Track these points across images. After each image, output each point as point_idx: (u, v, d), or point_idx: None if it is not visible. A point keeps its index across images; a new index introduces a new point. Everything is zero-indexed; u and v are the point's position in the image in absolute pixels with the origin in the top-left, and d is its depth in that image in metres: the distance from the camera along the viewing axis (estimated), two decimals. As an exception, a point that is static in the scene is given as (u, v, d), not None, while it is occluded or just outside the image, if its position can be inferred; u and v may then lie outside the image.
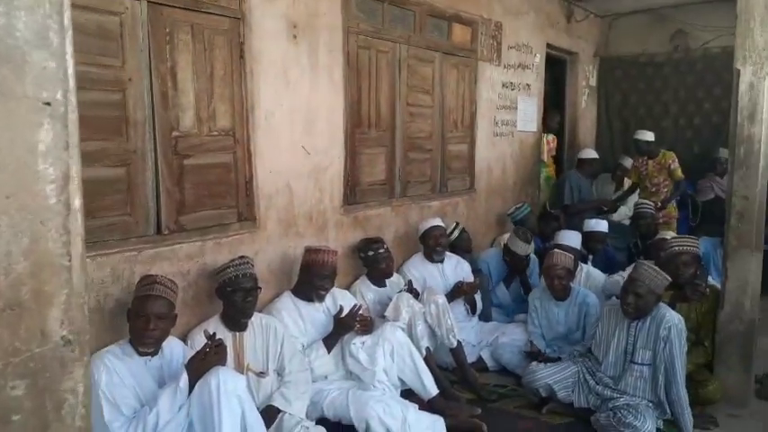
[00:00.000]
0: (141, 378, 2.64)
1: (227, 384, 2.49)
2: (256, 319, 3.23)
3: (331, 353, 3.48)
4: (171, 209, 3.12)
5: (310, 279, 3.52)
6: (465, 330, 4.39)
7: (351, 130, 4.21)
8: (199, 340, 3.00)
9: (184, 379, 2.55)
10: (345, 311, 3.51)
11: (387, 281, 4.26)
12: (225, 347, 2.67)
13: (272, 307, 3.52)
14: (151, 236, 3.06)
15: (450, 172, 5.34)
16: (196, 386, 2.53)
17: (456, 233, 4.98)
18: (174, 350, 2.81)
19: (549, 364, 3.63)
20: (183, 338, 3.10)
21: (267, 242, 3.68)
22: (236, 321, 3.11)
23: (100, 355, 2.60)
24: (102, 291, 2.85)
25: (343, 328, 3.49)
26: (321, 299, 3.56)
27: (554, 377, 3.57)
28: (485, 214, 5.87)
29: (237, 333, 3.14)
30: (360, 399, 3.22)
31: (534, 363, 3.65)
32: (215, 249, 3.36)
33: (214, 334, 2.72)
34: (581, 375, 3.56)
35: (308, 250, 3.59)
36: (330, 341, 3.49)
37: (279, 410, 3.04)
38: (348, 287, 4.17)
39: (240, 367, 3.11)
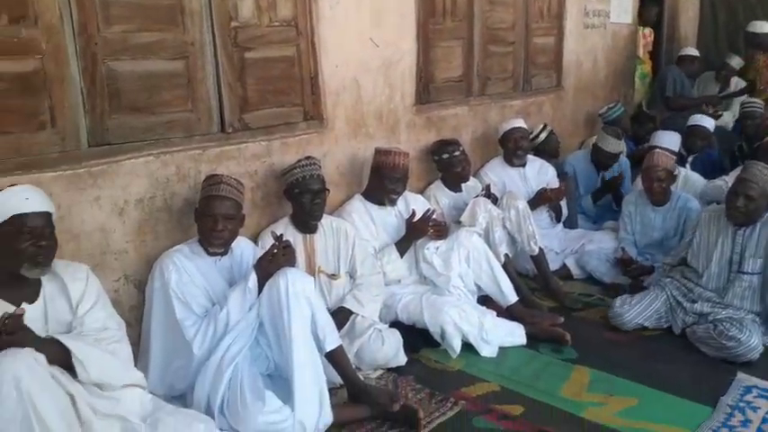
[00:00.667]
0: (211, 278, 2.66)
1: (296, 285, 2.46)
2: (327, 221, 3.18)
3: (404, 257, 3.40)
4: (234, 106, 3.04)
5: (381, 182, 3.41)
6: (548, 237, 4.21)
7: (423, 20, 3.95)
8: (268, 241, 2.97)
9: (253, 279, 2.54)
10: (418, 216, 3.39)
11: (463, 186, 4.10)
12: (293, 249, 2.63)
13: (343, 210, 3.46)
14: (215, 134, 3.01)
15: (535, 67, 5.00)
16: (265, 287, 2.52)
17: (543, 135, 4.71)
18: (245, 251, 2.80)
19: (634, 302, 3.32)
20: (254, 239, 3.10)
21: (335, 143, 3.57)
22: (305, 223, 3.07)
23: (169, 254, 2.63)
24: (168, 189, 2.85)
25: (415, 232, 3.40)
26: (393, 203, 3.46)
27: (644, 314, 3.30)
28: (572, 114, 5.51)
29: (308, 235, 3.10)
30: (434, 303, 3.16)
31: (618, 302, 3.34)
32: (282, 149, 3.29)
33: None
34: (672, 301, 3.31)
35: (379, 152, 3.47)
36: (402, 246, 3.41)
37: (351, 313, 3.02)
38: (421, 192, 4.04)
39: (311, 269, 3.09)
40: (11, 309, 1.98)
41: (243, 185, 2.80)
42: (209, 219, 2.62)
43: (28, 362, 1.83)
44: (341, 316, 2.97)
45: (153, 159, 2.78)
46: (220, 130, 3.03)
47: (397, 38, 3.81)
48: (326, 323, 2.56)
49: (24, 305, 2.04)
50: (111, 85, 2.62)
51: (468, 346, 3.13)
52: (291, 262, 2.62)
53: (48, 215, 2.10)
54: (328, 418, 2.40)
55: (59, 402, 1.91)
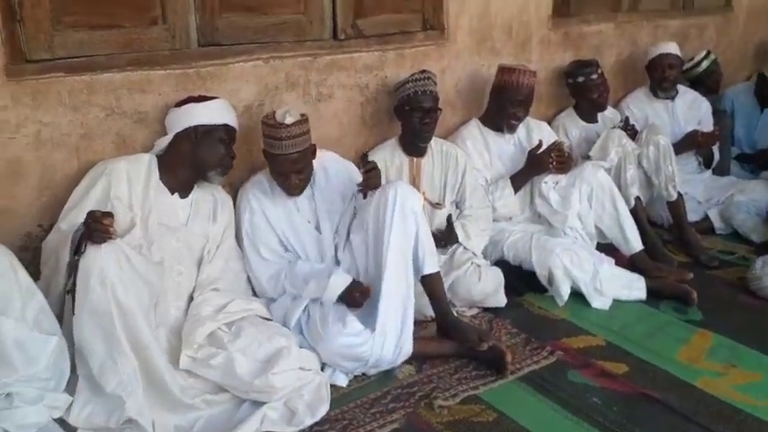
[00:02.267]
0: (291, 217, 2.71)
1: (404, 200, 2.48)
2: (437, 145, 3.15)
3: (518, 193, 3.30)
4: (347, 9, 3.02)
5: (501, 104, 3.30)
6: (691, 183, 3.95)
7: None
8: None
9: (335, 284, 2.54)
10: (544, 147, 3.27)
11: (599, 115, 3.89)
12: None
13: (457, 135, 3.40)
14: (327, 40, 3.02)
15: (701, -18, 4.53)
16: (375, 194, 2.54)
17: (704, 64, 4.32)
18: (330, 170, 2.78)
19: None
20: (360, 152, 3.11)
21: (456, 57, 3.47)
22: (413, 145, 3.06)
23: (246, 189, 2.68)
24: (276, 98, 2.92)
25: (535, 165, 3.29)
26: (512, 129, 3.34)
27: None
28: (742, 42, 4.99)
29: (415, 158, 3.10)
30: (545, 244, 3.08)
31: (760, 263, 3.07)
32: (396, 62, 3.25)
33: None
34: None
35: (502, 69, 3.34)
36: (518, 180, 3.32)
37: (455, 242, 3.01)
38: (550, 121, 3.88)
39: (415, 194, 3.09)
40: (167, 194, 2.41)
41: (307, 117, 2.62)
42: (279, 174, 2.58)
43: (116, 257, 2.01)
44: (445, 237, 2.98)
45: (262, 64, 2.85)
46: (332, 36, 3.03)
47: (534, -61, 3.57)
48: (428, 244, 2.58)
49: (176, 198, 2.43)
50: (222, -19, 2.68)
51: (577, 295, 3.05)
52: (377, 186, 2.61)
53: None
54: (409, 347, 2.46)
55: (142, 301, 2.11)
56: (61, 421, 2.03)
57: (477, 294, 2.87)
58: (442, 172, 3.14)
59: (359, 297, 2.49)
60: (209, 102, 2.43)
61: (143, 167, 2.38)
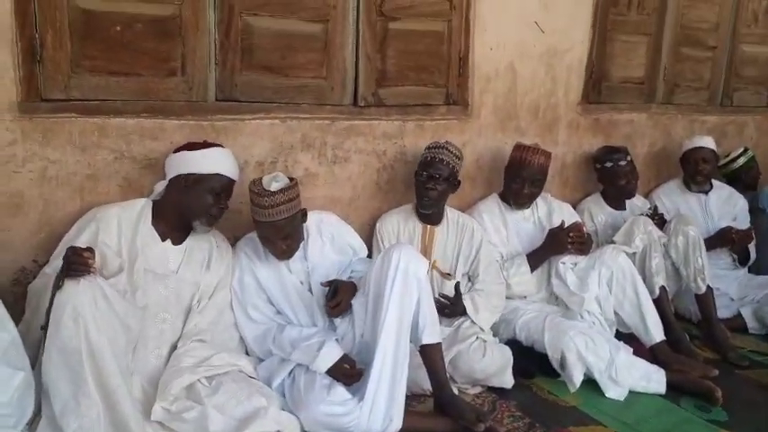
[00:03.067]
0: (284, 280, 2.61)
1: (408, 264, 2.35)
2: (453, 215, 3.05)
3: (534, 272, 3.14)
4: (370, 78, 3.01)
5: (509, 179, 3.21)
6: (725, 280, 3.70)
7: (603, 7, 3.66)
8: (388, 230, 2.94)
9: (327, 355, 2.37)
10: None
11: (627, 203, 3.74)
12: (343, 309, 2.50)
13: (475, 208, 3.30)
14: (346, 106, 3.00)
15: (740, 80, 4.43)
16: (378, 258, 2.43)
17: (741, 161, 4.16)
18: (325, 232, 2.69)
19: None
20: (372, 225, 3.05)
21: (479, 133, 3.41)
22: (419, 210, 2.95)
23: (240, 246, 2.62)
24: (290, 157, 2.89)
25: (554, 244, 3.13)
26: (520, 204, 3.22)
27: None
28: (783, 142, 4.81)
29: (429, 226, 2.99)
30: (559, 326, 2.88)
31: None
32: (416, 132, 3.20)
33: (331, 283, 2.51)
34: None
35: (516, 146, 3.25)
36: (536, 258, 3.16)
37: (461, 314, 2.84)
38: (576, 204, 3.74)
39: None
40: (157, 240, 2.32)
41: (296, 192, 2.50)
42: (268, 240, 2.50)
43: (92, 294, 1.91)
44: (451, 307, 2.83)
45: (279, 123, 2.83)
46: (353, 102, 3.02)
47: (567, 24, 3.55)
48: (430, 313, 2.42)
49: (168, 244, 2.35)
50: (245, 40, 2.71)
51: (591, 383, 2.81)
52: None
53: (233, 186, 2.42)
54: (399, 421, 2.25)
55: (116, 344, 1.99)
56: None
57: (480, 372, 2.66)
58: (456, 242, 3.02)
59: (348, 375, 2.33)
60: (204, 150, 2.35)
61: (134, 213, 2.32)
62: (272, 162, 2.83)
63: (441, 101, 3.26)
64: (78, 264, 1.92)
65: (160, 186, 2.41)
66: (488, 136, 3.45)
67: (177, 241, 2.39)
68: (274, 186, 2.36)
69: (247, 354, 2.52)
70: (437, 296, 2.77)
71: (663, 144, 4.17)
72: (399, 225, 2.98)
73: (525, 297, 3.16)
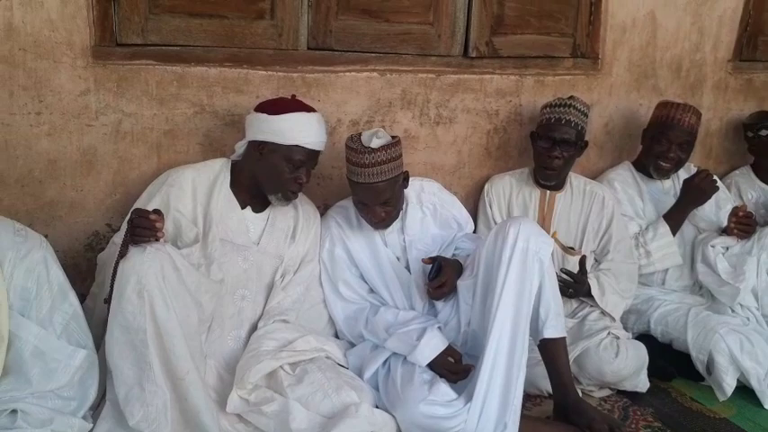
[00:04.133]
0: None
1: (529, 242, 1.95)
2: (579, 182, 2.62)
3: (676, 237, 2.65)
4: (484, 24, 2.60)
5: (652, 142, 2.70)
6: None
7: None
8: (498, 193, 2.58)
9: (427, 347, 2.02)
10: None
11: (782, 177, 3.13)
12: (446, 291, 2.14)
13: (604, 177, 2.85)
14: (455, 57, 2.61)
15: None
16: (491, 233, 2.05)
17: None
18: (427, 202, 2.34)
19: None
20: (481, 185, 2.67)
21: (609, 93, 2.93)
22: (539, 176, 2.54)
23: (330, 215, 2.31)
24: (388, 116, 2.54)
25: (692, 193, 2.64)
26: (661, 173, 2.72)
27: None
28: None
29: (549, 192, 2.55)
30: (706, 322, 2.41)
31: None
32: (535, 89, 2.77)
33: (434, 260, 2.14)
34: None
35: (661, 104, 2.76)
36: (674, 217, 2.67)
37: (585, 295, 2.42)
38: (720, 178, 3.17)
39: (543, 236, 2.54)
40: (236, 207, 2.02)
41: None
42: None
43: (160, 264, 1.63)
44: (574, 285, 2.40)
45: (377, 76, 2.48)
46: (462, 53, 2.62)
47: (722, -33, 2.99)
48: (555, 302, 2.02)
49: (248, 212, 2.06)
50: (340, -21, 2.36)
51: (744, 390, 2.34)
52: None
53: (317, 156, 2.09)
54: (513, 428, 1.86)
55: (188, 323, 1.70)
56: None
57: (611, 374, 2.23)
58: (581, 212, 2.58)
59: (453, 370, 1.98)
60: (285, 115, 1.99)
61: (211, 175, 2.05)
62: (368, 121, 2.50)
63: (566, 53, 2.81)
64: (143, 228, 1.66)
65: (240, 146, 2.11)
66: (620, 96, 2.97)
67: (258, 209, 2.11)
68: (375, 143, 2.03)
69: (337, 336, 2.21)
70: (558, 271, 2.35)
71: (832, 110, 3.50)
72: (512, 188, 2.59)
73: (664, 282, 2.69)
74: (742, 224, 2.58)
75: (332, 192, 2.42)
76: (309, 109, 2.08)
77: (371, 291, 2.26)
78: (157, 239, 1.68)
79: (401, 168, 2.12)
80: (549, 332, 2.00)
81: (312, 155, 2.05)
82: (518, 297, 1.94)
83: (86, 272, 2.15)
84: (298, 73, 2.35)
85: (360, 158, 2.02)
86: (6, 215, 1.79)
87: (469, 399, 1.86)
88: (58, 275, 1.69)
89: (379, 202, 2.08)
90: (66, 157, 2.09)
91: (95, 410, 1.73)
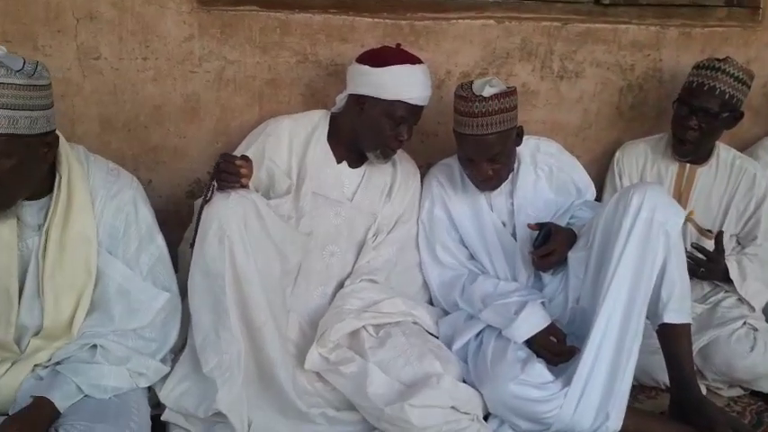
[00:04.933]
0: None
1: (655, 211, 1.70)
2: (728, 155, 2.28)
3: None
4: (620, -34, 2.29)
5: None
6: None
7: None
8: (630, 162, 2.31)
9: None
10: None
11: None
12: (556, 259, 1.91)
13: (759, 145, 2.48)
14: (584, 3, 2.34)
15: None
16: (613, 199, 1.82)
17: None
18: (542, 163, 2.12)
19: None
20: (609, 151, 2.41)
21: (770, 48, 2.52)
22: (673, 148, 2.22)
23: (434, 173, 2.14)
24: (504, 67, 2.34)
25: None
26: None
27: None
28: None
29: (688, 165, 2.25)
30: None
31: None
32: (679, 42, 2.43)
33: (543, 226, 1.92)
34: None
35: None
36: None
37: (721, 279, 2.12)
38: None
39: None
40: (331, 161, 1.94)
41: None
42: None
43: (243, 211, 1.57)
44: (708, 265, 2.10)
45: (493, 24, 2.27)
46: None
47: None
48: (680, 283, 1.75)
49: (344, 166, 1.97)
50: None
51: None
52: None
53: (421, 111, 1.94)
54: (617, 420, 1.64)
55: (269, 273, 1.63)
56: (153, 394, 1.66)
57: (744, 371, 1.91)
58: (725, 191, 2.25)
59: (555, 351, 1.78)
60: (389, 68, 1.84)
61: (309, 127, 1.96)
62: (481, 74, 2.30)
63: (719, 0, 2.42)
64: (229, 173, 1.60)
65: (341, 99, 2.01)
66: (785, 52, 2.53)
67: (355, 164, 2.00)
68: (488, 91, 1.85)
69: (431, 304, 2.07)
70: (689, 248, 2.07)
71: None
72: (648, 157, 2.30)
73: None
74: None
75: (437, 150, 2.26)
76: (414, 60, 1.93)
77: (472, 257, 2.09)
78: (243, 186, 1.61)
79: (515, 122, 1.93)
80: (671, 316, 1.73)
81: (415, 110, 1.90)
82: (636, 273, 1.70)
83: (187, 218, 2.13)
84: (406, 20, 2.20)
85: (469, 107, 1.85)
86: (114, 159, 1.79)
87: (568, 383, 1.66)
88: (146, 216, 1.68)
89: (487, 157, 1.90)
90: (171, 103, 2.09)
91: (176, 355, 1.72)
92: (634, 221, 1.70)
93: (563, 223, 2.04)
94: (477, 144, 1.88)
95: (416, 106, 1.88)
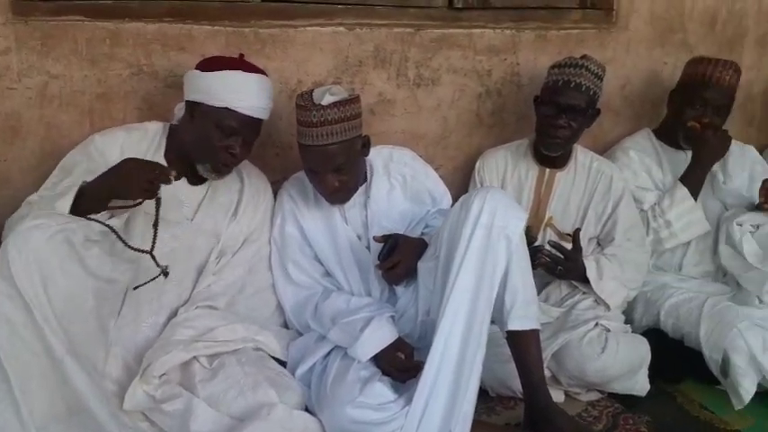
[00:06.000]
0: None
1: (495, 215, 1.64)
2: (585, 157, 2.27)
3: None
4: (474, -30, 2.27)
5: (682, 105, 2.31)
6: None
7: None
8: (491, 169, 2.27)
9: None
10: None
11: None
12: (401, 272, 1.86)
13: (619, 146, 2.50)
14: (438, 9, 2.31)
15: None
16: (457, 203, 1.76)
17: None
18: (394, 171, 2.05)
19: None
20: (471, 157, 2.36)
21: (627, 49, 2.57)
22: (541, 149, 2.20)
23: (285, 188, 2.05)
24: (358, 76, 2.26)
25: (707, 147, 2.26)
26: (690, 141, 2.32)
27: None
28: None
29: (549, 169, 2.22)
30: (723, 315, 2.05)
31: None
32: (536, 46, 2.43)
33: (387, 238, 1.86)
34: None
35: (691, 61, 2.37)
36: (691, 179, 2.28)
37: (579, 278, 2.09)
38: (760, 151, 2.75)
39: (538, 218, 2.23)
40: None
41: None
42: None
43: (46, 239, 1.42)
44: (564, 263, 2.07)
45: (344, 31, 2.20)
46: (447, 4, 2.30)
47: None
48: (524, 287, 1.70)
49: (183, 183, 1.83)
50: None
51: (767, 397, 1.97)
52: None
53: (260, 124, 1.83)
54: (461, 432, 1.57)
55: (74, 304, 1.47)
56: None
57: (594, 373, 1.89)
58: (584, 194, 2.24)
59: (402, 367, 1.71)
60: (219, 72, 1.74)
61: (145, 139, 1.82)
62: (335, 83, 2.21)
63: (574, 2, 2.48)
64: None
65: (179, 109, 1.88)
66: (641, 54, 2.60)
67: (196, 180, 1.88)
68: (327, 99, 1.76)
69: (287, 327, 1.96)
70: (548, 245, 2.06)
71: None
72: (507, 164, 2.27)
73: (681, 268, 2.32)
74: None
75: (292, 163, 2.15)
76: (252, 69, 1.83)
77: (328, 274, 2.00)
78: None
79: (359, 131, 1.86)
80: (516, 323, 1.69)
81: (248, 122, 1.78)
82: (477, 281, 1.64)
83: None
84: (250, 28, 2.09)
85: (308, 117, 1.76)
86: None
87: (410, 401, 1.58)
88: None
89: (331, 168, 1.81)
90: (-13, 123, 1.91)
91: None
92: (474, 227, 1.65)
93: (417, 233, 1.99)
94: (318, 155, 1.80)
95: (249, 117, 1.77)
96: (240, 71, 1.77)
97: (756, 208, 2.25)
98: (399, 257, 1.81)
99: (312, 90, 1.84)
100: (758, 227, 2.21)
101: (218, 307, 1.80)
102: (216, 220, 1.87)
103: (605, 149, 2.52)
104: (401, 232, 1.96)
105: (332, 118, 1.75)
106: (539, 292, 2.11)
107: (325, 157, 1.79)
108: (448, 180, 2.34)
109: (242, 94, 1.75)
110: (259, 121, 1.82)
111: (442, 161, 2.38)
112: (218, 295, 1.81)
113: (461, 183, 2.39)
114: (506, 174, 2.27)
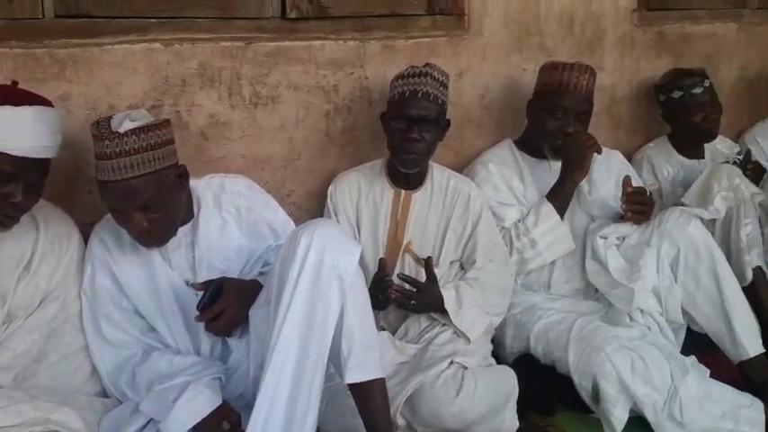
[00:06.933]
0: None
1: (325, 253, 1.45)
2: (442, 176, 2.12)
3: (563, 246, 2.16)
4: (313, -24, 2.09)
5: (540, 116, 2.21)
6: None
7: None
8: (343, 196, 2.07)
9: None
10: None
11: (705, 148, 2.73)
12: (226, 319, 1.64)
13: (478, 160, 2.36)
14: (269, 19, 2.10)
15: None
16: (284, 245, 1.54)
17: None
18: (227, 204, 1.83)
19: None
20: (322, 193, 2.16)
21: (482, 56, 2.45)
22: (395, 168, 2.02)
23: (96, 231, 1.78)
24: (182, 98, 2.02)
25: (572, 162, 2.15)
26: (555, 152, 2.22)
27: None
28: None
29: (404, 191, 2.05)
30: (591, 337, 1.94)
31: None
32: (383, 57, 2.27)
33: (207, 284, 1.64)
34: None
35: (544, 67, 2.26)
36: (557, 196, 2.17)
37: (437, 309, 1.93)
38: (632, 154, 2.76)
39: (396, 244, 2.05)
40: None
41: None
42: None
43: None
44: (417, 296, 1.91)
45: (160, 48, 1.96)
46: (280, 14, 2.10)
47: None
48: (360, 333, 1.50)
49: None
50: None
51: (642, 422, 1.86)
52: None
53: (45, 163, 1.55)
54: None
55: None
56: None
57: (452, 419, 1.70)
58: (442, 215, 2.09)
59: None
60: None
61: None
62: (156, 106, 1.97)
63: (421, 9, 2.32)
64: None
65: None
66: (498, 60, 2.48)
67: None
68: (126, 126, 1.52)
69: (107, 396, 1.69)
70: (397, 277, 1.90)
71: (760, 66, 3.10)
72: (361, 188, 2.09)
73: (550, 285, 2.20)
74: (634, 203, 2.09)
75: (99, 205, 1.87)
76: (26, 100, 1.54)
77: (152, 329, 1.74)
78: None
79: (171, 160, 1.62)
80: (353, 374, 1.49)
81: (26, 164, 1.50)
82: (306, 330, 1.44)
83: None
84: (43, 48, 1.82)
85: (101, 148, 1.52)
86: None
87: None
88: None
89: (135, 206, 1.56)
90: None
91: None
92: (302, 267, 1.45)
93: (255, 272, 1.77)
94: (119, 191, 1.55)
95: (27, 159, 1.50)
96: (7, 106, 1.49)
97: (621, 218, 2.16)
98: (223, 306, 1.59)
99: (111, 116, 1.58)
100: (623, 239, 2.12)
101: (2, 385, 1.50)
102: (2, 279, 1.58)
103: (468, 163, 2.39)
104: (237, 272, 1.74)
105: (130, 147, 1.51)
106: (397, 327, 1.95)
107: (127, 193, 1.54)
108: (303, 207, 2.18)
109: (12, 133, 1.48)
110: (42, 160, 1.54)
111: (294, 186, 2.18)
112: (5, 369, 1.52)
113: (317, 209, 2.20)
114: (360, 198, 2.09)
